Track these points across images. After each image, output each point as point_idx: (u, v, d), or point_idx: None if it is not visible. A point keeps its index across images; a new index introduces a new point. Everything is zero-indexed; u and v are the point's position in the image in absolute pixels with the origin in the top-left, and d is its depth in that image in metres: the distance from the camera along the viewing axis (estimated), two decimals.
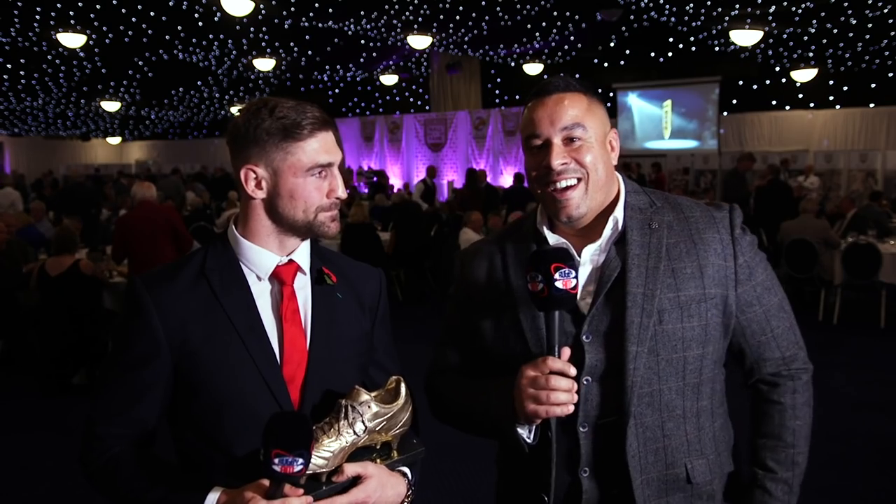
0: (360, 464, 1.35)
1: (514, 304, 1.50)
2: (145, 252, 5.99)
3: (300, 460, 1.18)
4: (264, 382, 1.38)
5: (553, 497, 1.47)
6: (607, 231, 1.48)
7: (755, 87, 16.77)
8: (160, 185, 13.84)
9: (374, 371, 1.56)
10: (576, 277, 1.35)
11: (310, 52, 15.61)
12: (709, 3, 11.68)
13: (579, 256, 1.46)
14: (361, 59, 16.67)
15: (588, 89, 1.49)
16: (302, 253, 1.49)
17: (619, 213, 1.49)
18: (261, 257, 1.44)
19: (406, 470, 1.46)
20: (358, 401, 1.35)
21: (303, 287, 1.48)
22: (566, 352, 1.38)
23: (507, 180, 15.40)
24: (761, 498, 1.51)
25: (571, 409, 1.36)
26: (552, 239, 1.51)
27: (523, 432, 1.42)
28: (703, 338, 1.45)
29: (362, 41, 14.56)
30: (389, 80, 18.50)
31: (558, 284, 1.33)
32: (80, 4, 11.34)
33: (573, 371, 1.36)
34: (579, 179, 1.44)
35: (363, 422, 1.34)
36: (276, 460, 1.18)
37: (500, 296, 1.54)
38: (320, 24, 13.09)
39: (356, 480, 1.34)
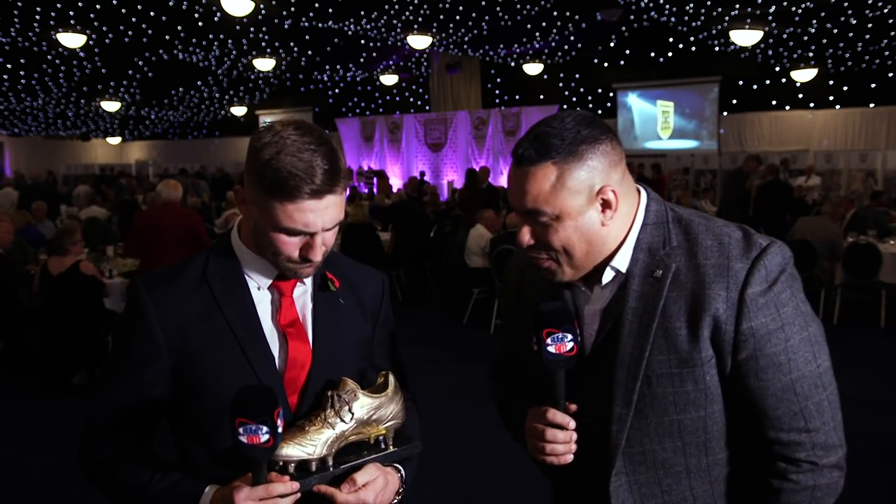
0: (366, 471, 1.36)
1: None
2: (158, 254, 5.83)
3: (264, 428, 1.17)
4: None
5: None
6: (606, 277, 1.36)
7: (755, 87, 16.76)
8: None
9: (372, 373, 1.55)
10: (573, 340, 1.32)
11: (310, 52, 15.61)
12: (709, 3, 11.68)
13: (591, 292, 1.40)
14: (361, 59, 16.67)
15: (566, 150, 1.26)
16: None
17: (621, 259, 1.35)
18: (259, 266, 1.43)
19: (399, 466, 1.46)
20: (344, 390, 1.37)
21: (304, 293, 1.48)
22: (572, 407, 1.37)
23: (506, 180, 15.38)
24: None
25: (570, 458, 1.36)
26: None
27: None
28: (703, 400, 1.32)
29: (362, 41, 14.56)
30: (389, 80, 18.50)
31: (550, 349, 1.32)
32: (80, 4, 11.35)
33: (573, 424, 1.35)
34: (549, 257, 1.34)
35: (350, 410, 1.35)
36: (241, 430, 1.17)
37: (525, 323, 1.45)
38: (320, 24, 13.09)
39: (354, 476, 1.35)
